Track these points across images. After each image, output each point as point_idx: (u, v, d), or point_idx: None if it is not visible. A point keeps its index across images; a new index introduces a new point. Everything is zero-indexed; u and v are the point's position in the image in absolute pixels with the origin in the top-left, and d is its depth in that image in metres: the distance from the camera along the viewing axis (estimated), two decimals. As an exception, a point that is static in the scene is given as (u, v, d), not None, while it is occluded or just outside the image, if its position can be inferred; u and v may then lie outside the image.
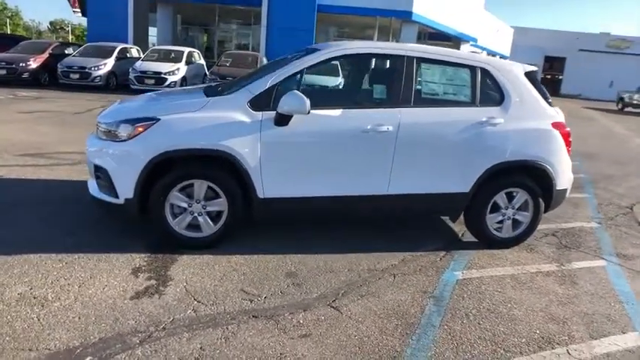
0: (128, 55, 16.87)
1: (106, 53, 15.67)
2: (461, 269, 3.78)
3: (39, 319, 2.67)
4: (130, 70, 14.96)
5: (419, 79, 4.06)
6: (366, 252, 3.94)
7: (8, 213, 4.19)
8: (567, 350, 2.76)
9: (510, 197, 4.19)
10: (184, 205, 3.63)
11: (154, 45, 23.31)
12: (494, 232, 4.26)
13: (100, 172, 3.67)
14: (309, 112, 3.48)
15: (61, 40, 47.42)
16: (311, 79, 8.12)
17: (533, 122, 4.15)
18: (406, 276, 3.59)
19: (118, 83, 15.59)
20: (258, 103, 3.61)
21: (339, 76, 11.37)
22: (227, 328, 2.73)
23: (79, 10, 28.98)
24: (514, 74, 4.21)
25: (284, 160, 3.69)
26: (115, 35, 18.86)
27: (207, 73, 16.48)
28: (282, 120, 3.58)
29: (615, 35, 44.49)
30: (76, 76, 14.72)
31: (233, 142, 3.53)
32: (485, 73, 4.12)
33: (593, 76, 41.24)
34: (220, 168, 3.61)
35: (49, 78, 15.19)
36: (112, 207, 3.67)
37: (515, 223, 4.27)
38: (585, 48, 42.92)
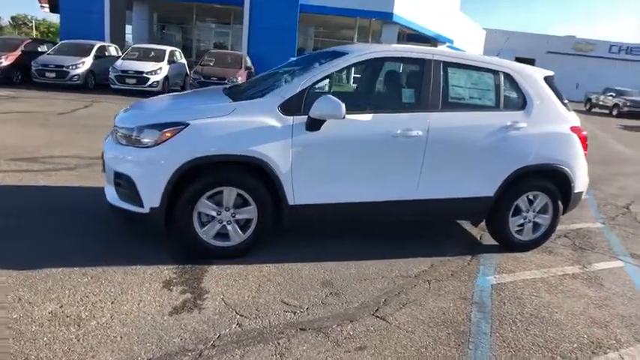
0: (107, 53, 16.28)
1: (84, 51, 15.06)
2: (492, 274, 3.78)
3: (78, 340, 2.50)
4: (110, 69, 14.44)
5: (446, 83, 4.04)
6: (393, 258, 3.89)
7: (16, 223, 3.93)
8: (620, 355, 2.78)
9: (531, 200, 4.23)
10: (213, 213, 3.50)
11: (127, 43, 22.67)
12: (516, 235, 4.29)
13: (121, 180, 3.48)
14: (344, 117, 3.41)
15: (24, 36, 45.53)
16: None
17: (553, 126, 4.20)
18: (440, 282, 3.56)
19: (97, 82, 15.02)
20: (289, 107, 3.50)
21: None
22: (278, 343, 2.63)
23: (47, 6, 27.77)
24: (534, 78, 4.25)
25: (315, 166, 3.60)
26: (90, 33, 18.15)
27: (189, 72, 16.11)
28: (315, 125, 3.49)
29: (580, 38, 45.99)
30: (53, 75, 14.09)
31: (265, 148, 3.42)
32: (508, 77, 4.14)
33: (560, 78, 41.71)
34: (250, 174, 3.49)
35: (22, 76, 14.55)
36: (134, 216, 3.49)
37: (535, 226, 4.32)
38: (553, 50, 44.22)
